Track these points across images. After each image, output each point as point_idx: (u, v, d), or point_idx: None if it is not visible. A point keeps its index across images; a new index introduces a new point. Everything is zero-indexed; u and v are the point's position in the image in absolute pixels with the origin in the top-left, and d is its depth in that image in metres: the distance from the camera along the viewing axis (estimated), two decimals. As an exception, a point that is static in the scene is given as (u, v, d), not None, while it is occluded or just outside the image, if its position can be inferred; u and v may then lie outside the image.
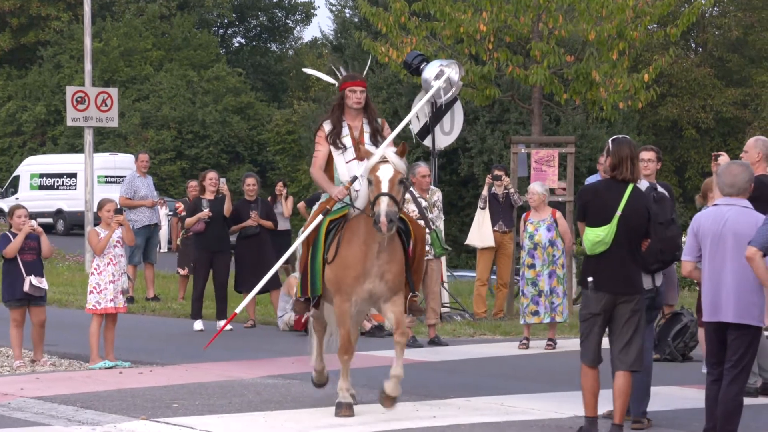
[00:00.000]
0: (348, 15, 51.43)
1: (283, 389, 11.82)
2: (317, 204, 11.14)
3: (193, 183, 21.96)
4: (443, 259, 17.62)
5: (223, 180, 17.83)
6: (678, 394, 11.64)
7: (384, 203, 9.92)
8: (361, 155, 10.55)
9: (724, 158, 11.24)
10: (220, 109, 56.39)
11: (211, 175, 17.81)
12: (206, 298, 17.51)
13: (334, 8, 54.65)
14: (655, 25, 27.07)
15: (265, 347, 15.44)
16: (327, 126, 10.85)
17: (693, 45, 48.15)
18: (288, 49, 69.55)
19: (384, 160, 10.15)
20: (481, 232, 18.78)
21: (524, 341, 15.61)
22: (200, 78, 57.82)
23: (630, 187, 9.58)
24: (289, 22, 69.11)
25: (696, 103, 43.48)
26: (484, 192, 19.04)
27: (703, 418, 9.24)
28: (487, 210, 18.92)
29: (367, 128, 10.87)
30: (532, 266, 15.41)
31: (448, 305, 18.96)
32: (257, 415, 10.53)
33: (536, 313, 15.33)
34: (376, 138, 10.78)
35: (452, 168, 41.32)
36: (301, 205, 22.05)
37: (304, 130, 46.23)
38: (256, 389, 11.79)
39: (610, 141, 9.79)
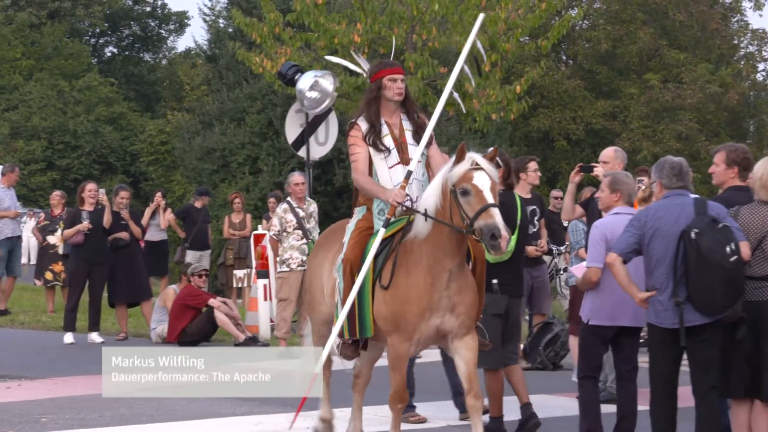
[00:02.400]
0: (222, 25, 51.05)
1: (156, 402, 11.62)
2: (352, 223, 9.09)
3: (56, 193, 21.67)
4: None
5: (102, 191, 17.61)
6: (550, 403, 11.77)
7: (498, 215, 8.13)
8: (407, 158, 8.87)
9: (600, 170, 11.24)
10: (92, 120, 55.55)
11: (90, 186, 17.57)
12: (78, 311, 17.28)
13: (208, 18, 54.21)
14: (526, 38, 27.40)
15: (137, 360, 15.22)
16: (363, 124, 8.99)
17: (564, 57, 48.82)
18: (161, 58, 68.85)
19: (477, 167, 8.34)
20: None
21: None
22: (71, 88, 56.91)
23: (517, 195, 10.16)
24: (162, 32, 68.42)
25: (567, 114, 44.09)
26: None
27: (575, 426, 9.36)
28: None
29: (407, 125, 9.05)
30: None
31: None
32: (129, 428, 10.40)
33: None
34: (420, 136, 8.98)
35: (327, 179, 41.28)
36: (171, 217, 21.81)
37: (178, 141, 45.76)
38: (128, 403, 11.58)
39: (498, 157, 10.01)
